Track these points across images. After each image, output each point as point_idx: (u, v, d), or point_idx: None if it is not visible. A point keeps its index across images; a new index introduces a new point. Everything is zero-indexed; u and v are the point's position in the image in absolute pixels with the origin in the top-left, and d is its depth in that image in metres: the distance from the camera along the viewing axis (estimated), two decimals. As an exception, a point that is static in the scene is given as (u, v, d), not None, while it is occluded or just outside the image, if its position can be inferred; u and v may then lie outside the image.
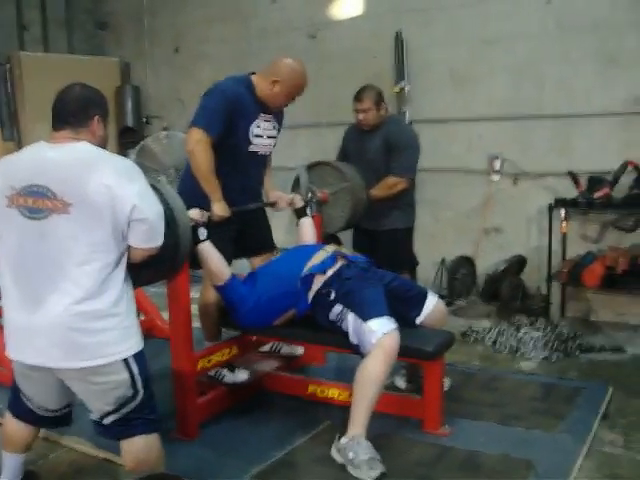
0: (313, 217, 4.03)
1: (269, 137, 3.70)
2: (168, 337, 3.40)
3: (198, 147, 3.38)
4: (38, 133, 6.58)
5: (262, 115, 3.60)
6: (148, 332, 4.71)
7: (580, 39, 5.12)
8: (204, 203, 3.35)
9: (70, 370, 2.32)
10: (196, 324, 3.43)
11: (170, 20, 7.35)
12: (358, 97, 4.42)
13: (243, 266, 3.94)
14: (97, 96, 2.53)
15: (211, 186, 3.43)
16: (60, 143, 2.38)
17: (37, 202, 2.27)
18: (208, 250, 3.25)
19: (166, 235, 2.48)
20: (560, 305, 5.31)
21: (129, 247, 2.36)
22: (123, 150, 7.38)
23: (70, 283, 2.26)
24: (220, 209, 3.42)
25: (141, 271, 2.54)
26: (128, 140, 7.31)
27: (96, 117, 2.45)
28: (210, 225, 3.31)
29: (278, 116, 3.77)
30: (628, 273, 4.73)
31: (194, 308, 3.37)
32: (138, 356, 2.40)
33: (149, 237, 2.35)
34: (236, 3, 6.82)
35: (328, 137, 6.03)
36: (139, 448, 2.46)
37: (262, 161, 3.77)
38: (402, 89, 5.79)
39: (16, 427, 2.66)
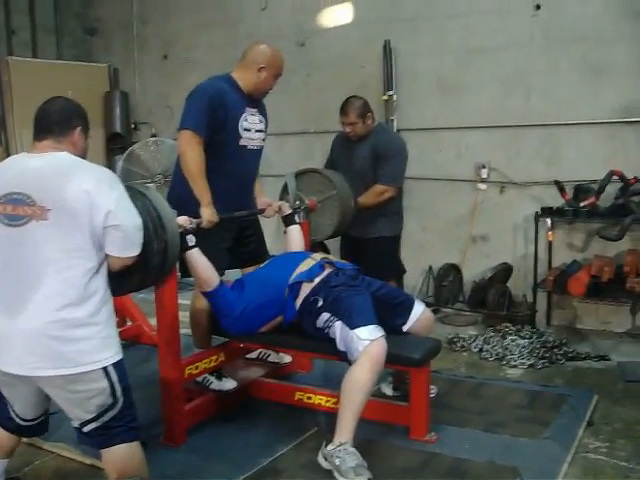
0: (301, 224, 4.04)
1: (257, 131, 3.72)
2: (155, 344, 3.40)
3: (188, 147, 3.40)
4: (26, 138, 6.62)
5: (248, 109, 3.64)
6: (135, 338, 4.73)
7: (567, 49, 5.16)
8: (194, 209, 3.36)
9: (47, 378, 2.29)
10: (184, 330, 3.43)
11: (159, 27, 7.34)
12: (343, 111, 4.45)
13: (234, 272, 3.93)
14: (79, 109, 2.57)
15: (200, 188, 3.43)
16: (41, 152, 2.41)
17: (17, 209, 2.28)
18: (196, 257, 3.24)
19: (154, 241, 2.50)
20: (546, 313, 5.33)
21: (107, 257, 2.36)
22: (111, 156, 7.38)
23: (49, 290, 2.25)
24: (209, 214, 3.41)
25: (130, 277, 2.54)
26: (116, 146, 7.31)
27: (78, 128, 2.49)
28: (203, 231, 3.30)
29: (261, 109, 3.80)
30: (613, 282, 4.76)
31: (182, 315, 3.36)
32: (117, 365, 2.39)
33: (124, 246, 2.35)
34: (225, 10, 6.83)
35: (316, 145, 6.05)
36: (120, 456, 2.44)
37: (254, 157, 3.76)
38: (390, 97, 5.81)
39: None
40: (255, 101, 3.73)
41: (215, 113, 3.45)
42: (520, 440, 3.28)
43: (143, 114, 7.60)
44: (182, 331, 3.34)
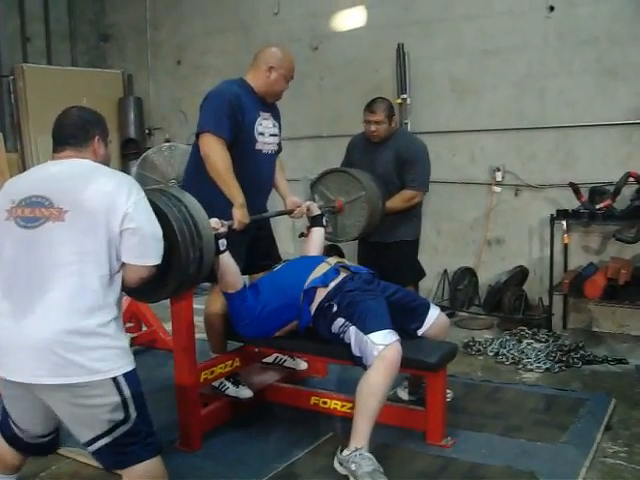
0: (325, 228, 3.99)
1: (271, 135, 3.70)
2: (170, 348, 3.40)
3: (213, 149, 3.34)
4: (41, 145, 6.67)
5: (262, 113, 3.63)
6: (150, 344, 4.74)
7: (581, 51, 5.15)
8: (210, 214, 3.33)
9: (50, 387, 2.19)
10: (199, 335, 3.43)
11: (172, 32, 7.39)
12: (371, 109, 4.38)
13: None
14: (95, 117, 2.55)
15: (231, 188, 3.38)
16: (63, 160, 2.41)
17: (34, 211, 2.26)
18: (227, 261, 3.20)
19: (190, 250, 2.51)
20: (562, 316, 5.31)
21: (123, 267, 2.32)
22: (125, 162, 7.41)
23: (58, 294, 2.19)
24: (242, 215, 3.36)
25: (165, 285, 2.54)
26: (130, 152, 7.34)
27: (96, 137, 2.48)
28: (228, 234, 3.25)
29: (275, 113, 3.78)
30: (630, 284, 4.74)
31: (197, 320, 3.36)
32: (129, 376, 2.28)
33: (140, 252, 2.30)
34: (237, 15, 6.86)
35: (330, 148, 6.06)
36: (140, 475, 2.33)
37: (269, 161, 3.73)
38: (404, 100, 5.80)
39: (5, 449, 2.56)
40: (268, 105, 3.72)
41: (235, 116, 3.44)
42: (537, 445, 3.25)
43: (157, 119, 7.64)
44: (197, 336, 3.34)
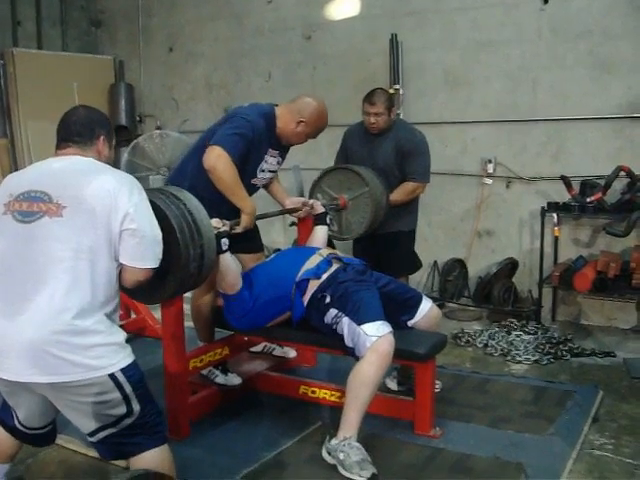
0: (329, 226, 3.97)
1: (270, 171, 3.68)
2: (159, 336, 3.39)
3: (220, 161, 3.24)
4: (31, 130, 6.63)
5: (270, 151, 3.58)
6: (139, 331, 4.73)
7: (574, 44, 5.14)
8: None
9: (47, 385, 2.16)
10: (188, 323, 3.42)
11: (164, 19, 7.32)
12: (371, 100, 4.30)
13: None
14: (101, 117, 2.54)
15: (240, 198, 3.34)
16: (65, 156, 2.39)
17: (31, 206, 2.23)
18: (228, 261, 3.19)
19: (190, 247, 2.49)
20: (551, 309, 5.33)
21: (121, 268, 2.30)
22: (116, 148, 7.36)
23: (52, 291, 2.14)
24: (250, 222, 3.37)
25: (165, 285, 2.53)
26: (121, 139, 7.29)
27: (102, 137, 2.46)
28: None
29: (283, 151, 3.73)
30: (619, 278, 4.75)
31: (186, 308, 3.35)
32: (127, 371, 2.24)
33: (138, 254, 2.27)
34: (230, 2, 6.80)
35: (321, 138, 5.97)
36: (148, 462, 2.31)
37: (255, 190, 3.69)
38: (396, 91, 5.79)
39: (3, 438, 2.53)
40: (281, 144, 3.66)
41: (248, 153, 3.39)
42: (525, 436, 3.27)
43: (148, 106, 7.58)
44: (186, 324, 3.33)
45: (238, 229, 3.32)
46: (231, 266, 3.22)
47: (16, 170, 6.48)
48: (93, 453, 3.05)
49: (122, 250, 2.25)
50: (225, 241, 3.10)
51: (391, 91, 5.74)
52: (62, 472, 3.04)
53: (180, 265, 2.56)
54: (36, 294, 2.15)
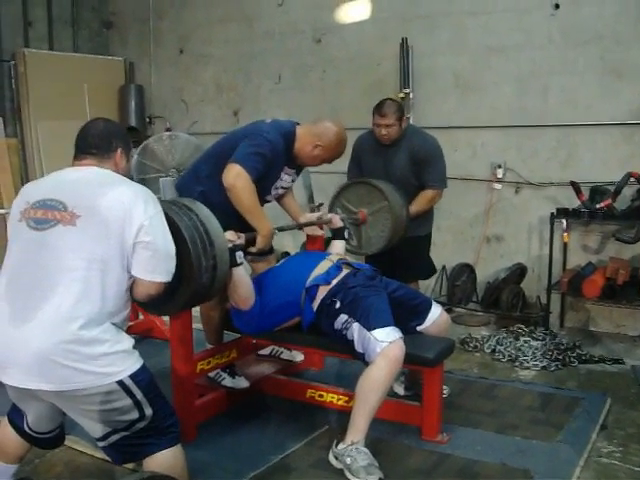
0: (348, 242, 3.95)
1: (283, 188, 3.69)
2: (166, 338, 3.39)
3: (239, 181, 3.21)
4: (41, 130, 6.64)
5: (286, 168, 3.58)
6: (147, 333, 4.74)
7: (585, 50, 5.13)
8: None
9: (57, 393, 2.16)
10: (196, 325, 3.42)
11: (175, 21, 7.34)
12: (381, 112, 4.22)
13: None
14: (120, 130, 2.58)
15: (258, 220, 3.32)
16: (83, 167, 2.41)
17: (46, 213, 2.24)
18: (242, 275, 3.15)
19: (203, 258, 2.49)
20: (560, 315, 5.32)
21: (133, 283, 2.30)
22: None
23: (61, 300, 2.14)
24: (265, 244, 3.36)
25: (178, 296, 2.53)
26: (131, 140, 7.31)
27: (119, 149, 2.49)
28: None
29: (299, 170, 3.74)
30: (628, 284, 4.74)
31: (194, 309, 3.35)
32: (136, 376, 2.24)
33: (151, 267, 2.27)
34: (241, 5, 6.81)
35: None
36: (161, 463, 2.32)
37: (265, 204, 3.69)
38: (406, 95, 5.78)
39: (11, 436, 2.53)
40: (297, 163, 3.65)
41: (267, 172, 3.38)
42: (532, 442, 3.25)
43: (158, 108, 7.60)
44: (194, 326, 3.33)
45: (253, 249, 3.31)
46: (244, 281, 3.19)
47: (26, 170, 6.53)
48: (100, 454, 3.06)
49: (135, 262, 2.26)
50: (240, 254, 3.05)
51: (401, 95, 5.74)
52: (69, 473, 3.04)
53: (193, 275, 2.54)
54: (45, 302, 2.15)
